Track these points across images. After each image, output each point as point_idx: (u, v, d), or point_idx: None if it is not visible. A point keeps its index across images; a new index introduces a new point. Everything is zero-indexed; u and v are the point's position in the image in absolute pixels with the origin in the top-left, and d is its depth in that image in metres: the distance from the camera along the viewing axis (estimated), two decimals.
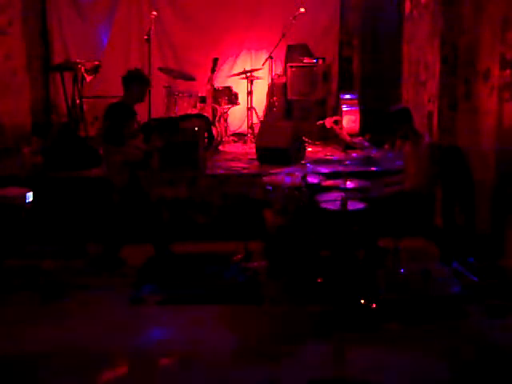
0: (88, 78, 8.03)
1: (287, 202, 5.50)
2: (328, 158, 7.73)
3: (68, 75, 8.13)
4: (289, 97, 9.21)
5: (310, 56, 9.27)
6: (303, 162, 6.57)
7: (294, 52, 9.40)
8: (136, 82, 5.66)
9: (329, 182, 5.69)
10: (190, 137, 6.86)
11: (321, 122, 8.79)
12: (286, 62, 9.35)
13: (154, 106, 8.11)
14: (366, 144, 8.33)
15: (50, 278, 5.54)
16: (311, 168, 6.13)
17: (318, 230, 5.32)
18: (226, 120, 8.83)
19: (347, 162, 6.69)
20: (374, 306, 4.69)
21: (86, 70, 7.96)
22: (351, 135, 8.51)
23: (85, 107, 8.03)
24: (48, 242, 6.20)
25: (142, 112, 7.26)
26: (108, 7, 9.36)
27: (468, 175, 6.09)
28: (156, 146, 5.96)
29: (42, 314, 4.87)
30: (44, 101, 9.25)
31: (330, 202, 5.23)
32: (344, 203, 4.95)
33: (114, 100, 5.81)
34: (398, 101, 7.89)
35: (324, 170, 6.44)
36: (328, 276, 5.06)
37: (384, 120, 5.94)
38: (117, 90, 5.91)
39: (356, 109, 8.76)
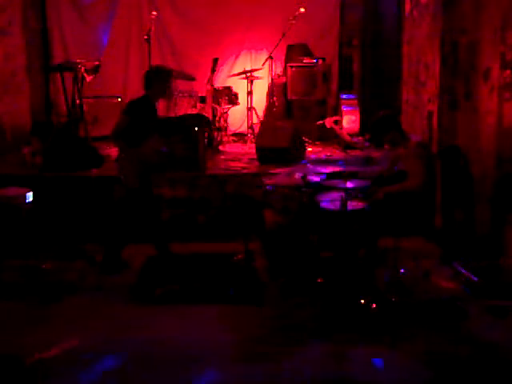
0: (88, 78, 8.03)
1: (287, 201, 5.50)
2: (328, 157, 7.74)
3: (68, 75, 8.14)
4: (289, 97, 9.23)
5: (310, 56, 9.28)
6: (303, 161, 6.58)
7: (294, 52, 9.42)
8: (161, 78, 5.54)
9: (329, 182, 5.68)
10: (190, 137, 6.86)
11: (321, 121, 8.80)
12: (285, 62, 9.37)
13: None
14: (366, 144, 8.33)
15: (49, 278, 5.54)
16: (311, 168, 6.13)
17: (318, 230, 5.31)
18: (225, 120, 8.84)
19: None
20: (374, 306, 4.69)
21: (86, 70, 7.97)
22: (351, 135, 8.52)
23: (85, 107, 8.03)
24: (48, 242, 6.20)
25: None
26: (108, 7, 9.38)
27: (468, 175, 6.09)
28: (158, 148, 5.89)
29: (41, 315, 4.87)
30: (44, 101, 9.26)
31: (330, 201, 5.23)
32: (344, 203, 4.95)
33: (114, 100, 5.80)
34: (398, 100, 7.89)
35: (324, 170, 6.43)
36: (328, 276, 5.06)
37: (371, 129, 5.96)
38: (117, 90, 5.91)
39: (356, 109, 8.76)
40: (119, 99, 8.64)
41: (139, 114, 5.43)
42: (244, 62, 9.49)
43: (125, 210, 5.62)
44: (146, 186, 5.62)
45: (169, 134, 6.56)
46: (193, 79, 8.95)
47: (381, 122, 5.56)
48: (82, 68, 7.92)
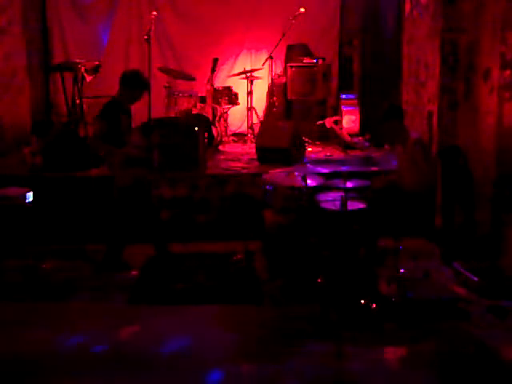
0: (88, 78, 8.03)
1: (287, 201, 5.50)
2: (328, 157, 7.73)
3: (68, 75, 8.14)
4: (289, 97, 9.23)
5: (310, 56, 9.28)
6: (303, 161, 6.58)
7: (294, 52, 9.42)
8: (138, 87, 5.57)
9: (329, 182, 5.68)
10: (190, 137, 6.86)
11: (321, 121, 8.80)
12: (286, 62, 9.37)
13: (154, 106, 8.11)
14: (366, 144, 8.33)
15: (49, 278, 5.54)
16: (311, 168, 6.13)
17: (318, 230, 5.31)
18: (225, 120, 8.84)
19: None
20: (374, 306, 4.69)
21: (86, 69, 7.97)
22: (351, 135, 8.52)
23: (85, 107, 8.03)
24: (48, 242, 6.20)
25: (142, 112, 7.26)
26: (108, 7, 9.38)
27: (468, 175, 6.09)
28: (154, 143, 5.92)
29: (41, 315, 4.87)
30: (44, 101, 9.26)
31: (330, 201, 5.23)
32: (344, 203, 4.95)
33: None
34: (398, 101, 7.88)
35: (324, 170, 6.43)
36: (328, 276, 5.06)
37: (377, 120, 5.95)
38: (117, 90, 5.91)
39: (356, 109, 8.76)
40: None
41: (115, 115, 5.46)
42: (244, 62, 9.49)
43: (124, 210, 5.61)
44: (138, 183, 5.61)
45: (169, 134, 6.56)
46: (193, 79, 8.95)
47: (387, 110, 5.57)
48: (82, 68, 7.93)
